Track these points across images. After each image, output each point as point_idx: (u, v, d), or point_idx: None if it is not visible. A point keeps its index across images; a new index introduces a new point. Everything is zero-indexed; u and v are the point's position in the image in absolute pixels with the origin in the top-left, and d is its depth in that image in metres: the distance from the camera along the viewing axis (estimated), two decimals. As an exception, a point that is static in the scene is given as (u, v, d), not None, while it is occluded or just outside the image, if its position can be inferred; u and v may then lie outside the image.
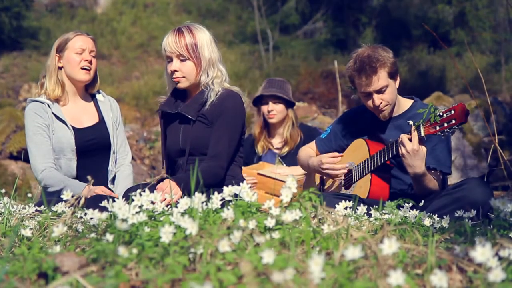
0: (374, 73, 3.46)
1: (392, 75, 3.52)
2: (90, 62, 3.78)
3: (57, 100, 3.78)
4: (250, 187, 4.58)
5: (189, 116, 3.46)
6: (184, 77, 3.47)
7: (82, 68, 3.76)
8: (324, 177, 4.04)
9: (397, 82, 3.59)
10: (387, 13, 20.41)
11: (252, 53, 18.63)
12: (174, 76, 3.48)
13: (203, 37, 3.46)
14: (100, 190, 3.50)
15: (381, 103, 3.53)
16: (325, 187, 4.03)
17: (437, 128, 3.20)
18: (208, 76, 3.46)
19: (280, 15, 19.81)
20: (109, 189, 3.81)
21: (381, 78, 3.47)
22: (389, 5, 20.50)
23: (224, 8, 21.11)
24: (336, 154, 3.79)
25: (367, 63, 3.46)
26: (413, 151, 3.29)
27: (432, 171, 3.53)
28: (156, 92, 14.86)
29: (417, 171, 3.35)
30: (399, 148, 3.35)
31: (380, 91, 3.50)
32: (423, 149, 3.32)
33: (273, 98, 5.10)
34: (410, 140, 3.31)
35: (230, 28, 20.05)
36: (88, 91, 3.94)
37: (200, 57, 3.43)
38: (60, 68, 3.79)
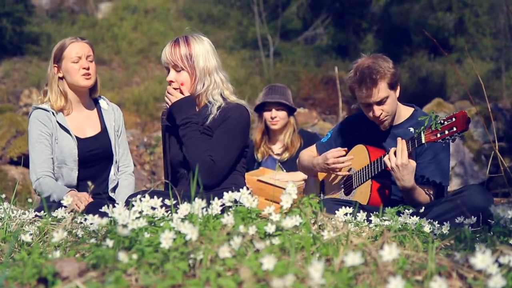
0: (374, 85, 3.45)
1: (392, 86, 3.51)
2: (89, 68, 3.75)
3: (61, 110, 3.76)
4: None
5: None
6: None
7: (82, 75, 3.73)
8: (325, 182, 4.04)
9: (397, 91, 3.59)
10: (388, 19, 20.43)
11: (252, 59, 18.64)
12: (172, 86, 3.49)
13: (199, 47, 3.44)
14: (83, 196, 3.46)
15: (381, 114, 3.53)
16: (325, 193, 4.03)
17: (438, 135, 3.20)
18: (204, 86, 3.45)
19: (281, 21, 19.83)
20: (111, 198, 3.80)
21: (381, 90, 3.47)
22: (390, 11, 20.53)
23: (225, 14, 21.12)
24: (340, 148, 3.77)
25: (367, 75, 3.45)
26: (402, 164, 3.31)
27: (425, 186, 3.52)
28: (157, 98, 14.85)
29: (406, 184, 3.36)
30: (389, 161, 3.36)
31: (380, 103, 3.50)
32: (412, 163, 3.34)
33: (276, 105, 5.10)
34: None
35: (230, 34, 20.07)
36: (91, 96, 3.92)
37: (194, 67, 3.42)
38: (60, 78, 3.76)
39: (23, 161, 7.40)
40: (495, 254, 1.78)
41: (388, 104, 3.52)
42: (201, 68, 3.42)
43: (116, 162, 3.87)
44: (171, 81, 3.47)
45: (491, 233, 2.37)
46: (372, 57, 3.55)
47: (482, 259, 1.62)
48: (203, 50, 3.45)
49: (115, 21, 19.97)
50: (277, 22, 19.77)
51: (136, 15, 20.53)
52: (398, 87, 3.59)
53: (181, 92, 3.46)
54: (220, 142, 3.40)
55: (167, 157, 3.65)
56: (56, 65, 3.76)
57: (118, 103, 13.37)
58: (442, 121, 3.20)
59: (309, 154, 4.06)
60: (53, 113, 3.72)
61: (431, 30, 18.04)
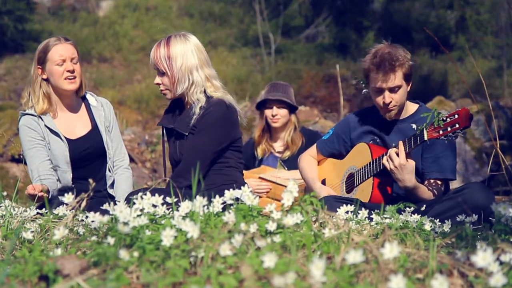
0: (392, 71, 3.48)
1: (406, 77, 3.54)
2: (73, 71, 3.69)
3: (45, 113, 3.71)
4: (258, 194, 4.59)
5: (182, 132, 3.52)
6: (166, 89, 3.55)
7: (66, 79, 3.67)
8: (326, 180, 4.04)
9: (409, 86, 3.60)
10: (389, 17, 20.40)
11: (254, 57, 18.60)
12: (159, 88, 3.58)
13: (179, 47, 3.48)
14: (35, 188, 3.38)
15: (391, 102, 3.54)
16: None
17: (441, 132, 3.21)
18: (185, 86, 3.49)
19: (283, 19, 19.80)
20: (109, 194, 3.80)
21: (397, 78, 3.49)
22: (391, 9, 20.50)
23: (226, 11, 21.09)
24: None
25: (387, 60, 3.48)
26: (401, 165, 3.33)
27: (433, 181, 3.54)
28: (158, 96, 14.82)
29: (407, 184, 3.38)
30: (388, 163, 3.38)
31: (393, 90, 3.52)
32: (411, 162, 3.35)
33: (277, 103, 5.10)
34: (397, 154, 3.35)
35: (232, 31, 20.03)
36: (78, 95, 3.86)
37: (172, 68, 3.47)
38: (45, 79, 3.71)
39: (24, 158, 7.40)
40: (496, 252, 1.79)
41: (399, 94, 3.54)
42: (178, 69, 3.46)
43: (109, 158, 3.85)
44: (158, 84, 3.56)
45: (492, 231, 2.37)
46: (393, 46, 3.60)
47: (483, 257, 1.62)
48: (182, 49, 3.48)
49: (116, 18, 19.94)
50: (279, 20, 19.74)
51: (137, 12, 20.49)
52: (411, 83, 3.61)
53: None
54: (196, 138, 3.47)
55: (166, 156, 3.73)
56: (40, 67, 3.70)
57: (119, 100, 13.31)
58: (444, 118, 3.20)
59: (311, 166, 4.05)
60: (40, 117, 3.69)
61: (432, 28, 18.02)
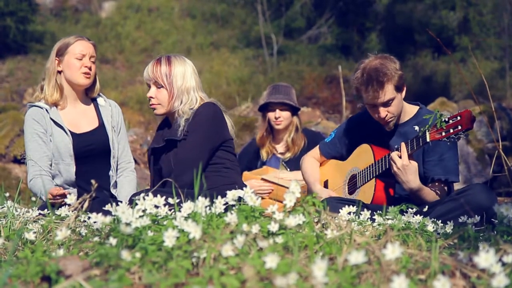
0: (381, 88, 3.44)
1: (398, 88, 3.51)
2: (90, 68, 3.77)
3: (55, 104, 3.78)
4: (261, 195, 4.59)
5: (175, 138, 3.56)
6: (159, 104, 3.62)
7: (82, 73, 3.75)
8: (329, 181, 4.04)
9: (403, 92, 3.58)
10: (392, 18, 20.43)
11: (256, 58, 18.62)
12: (150, 102, 3.66)
13: (179, 67, 3.61)
14: (56, 190, 3.42)
15: (386, 115, 3.53)
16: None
17: (443, 134, 3.20)
18: (181, 103, 3.58)
19: (285, 20, 19.83)
20: (112, 194, 3.81)
21: (388, 92, 3.46)
22: (393, 11, 20.51)
23: (229, 12, 21.12)
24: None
25: (374, 78, 3.44)
26: (404, 166, 3.33)
27: (436, 183, 3.54)
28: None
29: (412, 186, 3.37)
30: (391, 166, 3.38)
31: (386, 104, 3.50)
32: (414, 163, 3.35)
33: (280, 105, 5.09)
34: (400, 156, 3.34)
35: (234, 32, 20.05)
36: (88, 95, 3.93)
37: (172, 85, 3.57)
38: (59, 72, 3.78)
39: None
40: (499, 253, 1.78)
41: (394, 106, 3.52)
42: (178, 86, 3.58)
43: (113, 157, 3.87)
44: (151, 97, 3.63)
45: (495, 232, 2.37)
46: (380, 58, 3.53)
47: (485, 258, 1.62)
48: (182, 70, 3.61)
49: (118, 20, 19.99)
50: (281, 21, 19.76)
51: (139, 14, 20.54)
52: (405, 88, 3.58)
53: None
54: (189, 138, 3.52)
55: (154, 172, 3.76)
56: (57, 58, 3.78)
57: (121, 102, 13.34)
58: (447, 120, 3.19)
59: (312, 167, 4.05)
60: (46, 110, 3.73)
61: (435, 29, 18.03)
